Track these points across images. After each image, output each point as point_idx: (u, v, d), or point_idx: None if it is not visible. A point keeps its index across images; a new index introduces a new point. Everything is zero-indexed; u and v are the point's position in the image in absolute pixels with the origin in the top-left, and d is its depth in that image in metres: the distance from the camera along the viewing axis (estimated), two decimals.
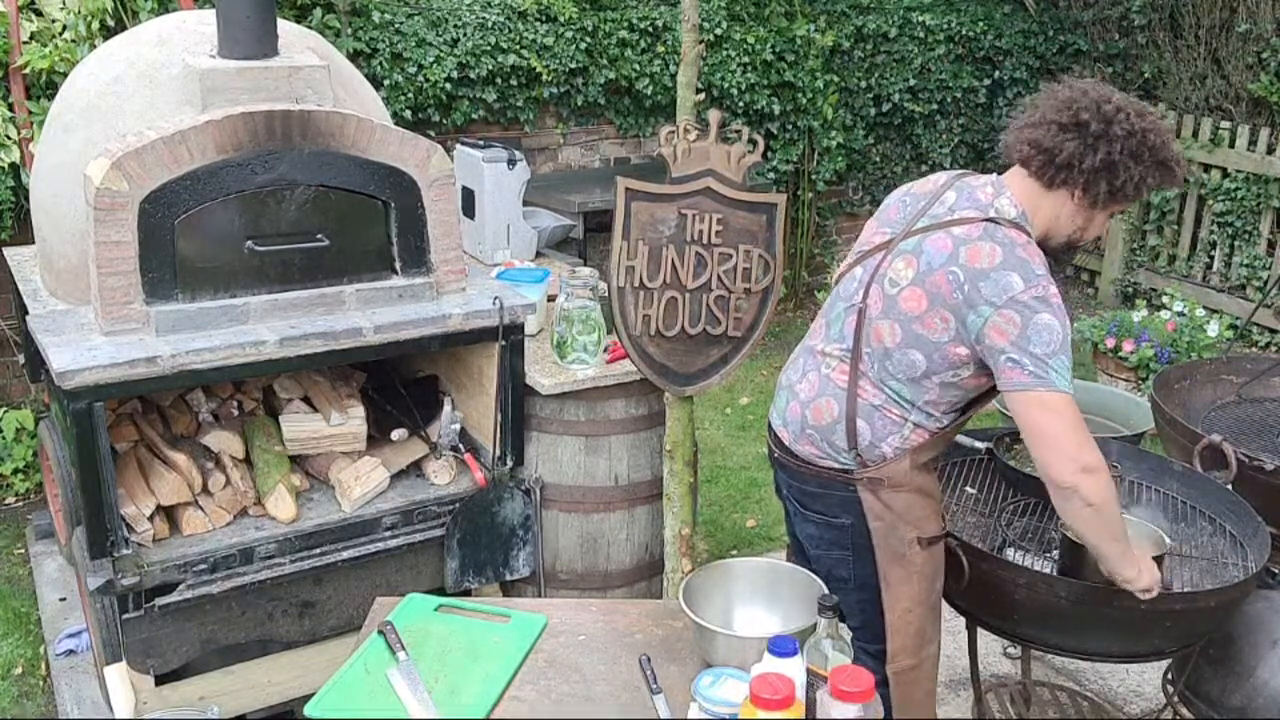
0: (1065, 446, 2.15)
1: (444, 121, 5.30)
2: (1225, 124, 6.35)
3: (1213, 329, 5.26)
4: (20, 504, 4.36)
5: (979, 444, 2.95)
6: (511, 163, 3.97)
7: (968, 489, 2.90)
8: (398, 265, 3.06)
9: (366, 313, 2.97)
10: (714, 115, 2.89)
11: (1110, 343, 5.30)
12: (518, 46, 5.37)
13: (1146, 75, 6.98)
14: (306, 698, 1.97)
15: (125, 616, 2.74)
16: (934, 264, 2.25)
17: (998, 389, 2.26)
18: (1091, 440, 2.19)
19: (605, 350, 3.25)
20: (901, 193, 2.48)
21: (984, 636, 2.74)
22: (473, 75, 5.28)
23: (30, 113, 4.14)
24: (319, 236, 2.90)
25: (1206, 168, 6.45)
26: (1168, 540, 2.53)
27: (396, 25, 5.09)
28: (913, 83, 6.75)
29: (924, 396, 2.31)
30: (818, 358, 2.44)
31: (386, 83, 5.01)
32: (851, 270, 2.44)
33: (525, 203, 4.12)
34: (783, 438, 2.48)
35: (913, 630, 2.41)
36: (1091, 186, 2.26)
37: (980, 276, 2.19)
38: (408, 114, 5.12)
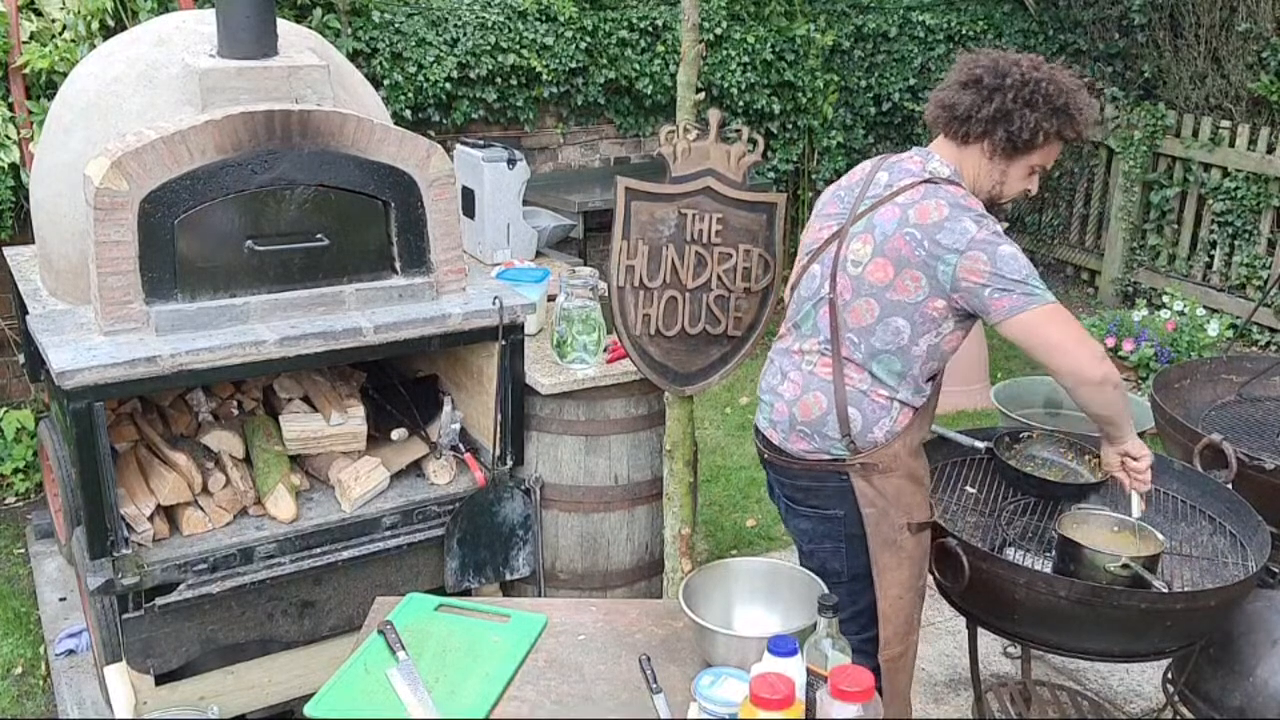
0: (1082, 348, 2.30)
1: (444, 121, 5.30)
2: (1225, 123, 6.34)
3: (1213, 328, 5.26)
4: (20, 504, 4.37)
5: (979, 444, 2.95)
6: (511, 162, 3.97)
7: (968, 489, 2.90)
8: (398, 265, 3.06)
9: (366, 312, 2.97)
10: (714, 115, 2.89)
11: (1110, 342, 5.30)
12: (518, 46, 5.37)
13: (1146, 75, 6.98)
14: (306, 698, 1.97)
15: (125, 616, 2.74)
16: (888, 231, 2.36)
17: (992, 326, 2.35)
18: (1089, 335, 2.36)
19: (605, 350, 3.25)
20: (833, 189, 2.61)
21: (984, 636, 2.74)
22: (473, 75, 5.28)
23: (30, 113, 4.14)
24: (319, 236, 2.90)
25: (1206, 167, 6.45)
26: (1161, 537, 2.53)
27: (396, 25, 5.09)
28: (913, 82, 6.75)
29: (914, 367, 2.39)
30: (795, 357, 2.52)
31: (386, 82, 5.01)
32: (809, 269, 2.53)
33: (525, 202, 4.12)
34: (772, 439, 2.54)
35: (902, 617, 2.49)
36: (991, 135, 2.39)
37: (935, 230, 2.31)
38: (408, 114, 5.12)
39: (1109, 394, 2.35)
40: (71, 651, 3.27)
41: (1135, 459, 2.52)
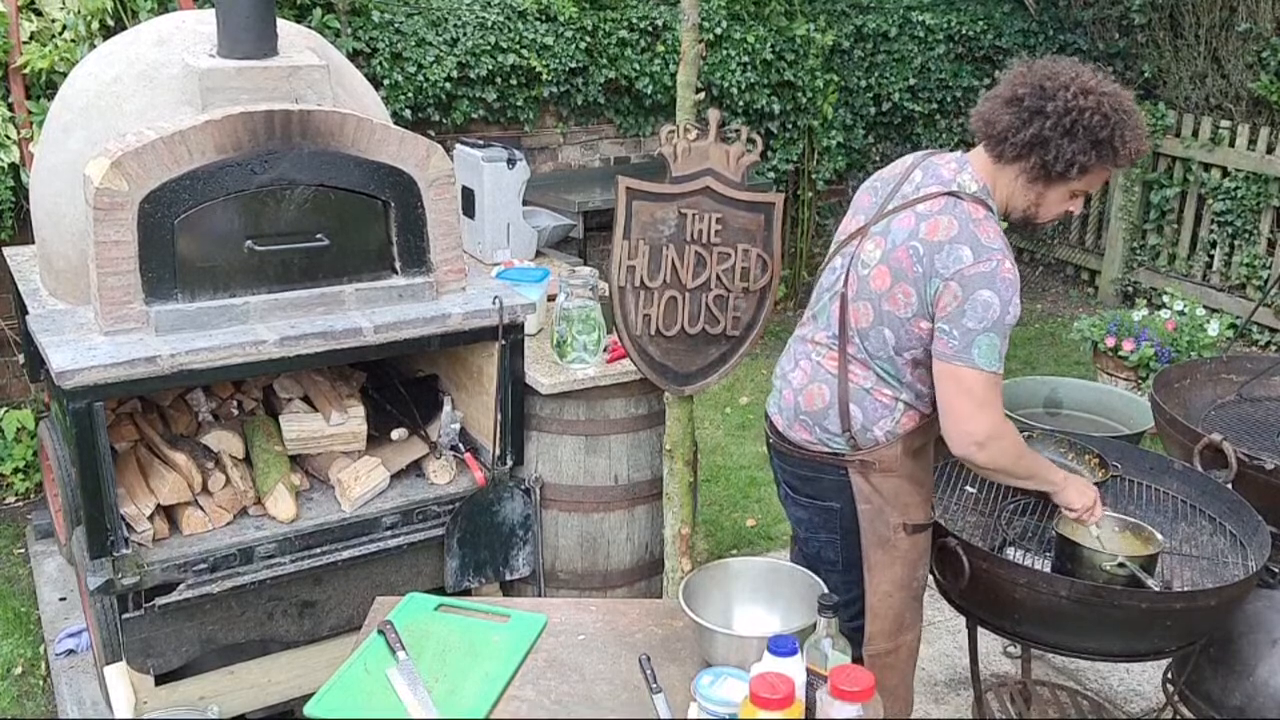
0: (961, 421, 2.28)
1: (444, 121, 5.30)
2: (1225, 123, 6.35)
3: (1213, 328, 5.25)
4: (20, 504, 4.36)
5: None
6: (511, 162, 3.97)
7: (968, 489, 2.90)
8: (397, 265, 3.06)
9: (366, 312, 2.97)
10: (713, 115, 2.89)
11: (1110, 342, 5.29)
12: (517, 46, 5.37)
13: (1146, 75, 6.98)
14: (306, 698, 1.97)
15: (125, 616, 2.74)
16: (897, 241, 2.33)
17: None
18: (996, 414, 2.28)
19: (605, 350, 3.25)
20: (872, 180, 2.56)
21: (984, 636, 2.74)
22: (472, 75, 5.28)
23: (30, 113, 4.14)
24: (319, 236, 2.90)
25: (1206, 167, 6.45)
26: (1160, 537, 2.53)
27: (396, 25, 5.09)
28: (913, 82, 6.75)
29: (905, 374, 2.38)
30: (808, 346, 2.53)
31: (386, 82, 5.01)
32: (832, 261, 2.53)
33: (525, 202, 4.12)
34: (777, 424, 2.56)
35: (892, 615, 2.49)
36: (1025, 160, 2.29)
37: (936, 249, 2.26)
38: (407, 113, 5.12)
39: (978, 470, 2.39)
40: (71, 651, 3.27)
41: (1073, 510, 2.51)
